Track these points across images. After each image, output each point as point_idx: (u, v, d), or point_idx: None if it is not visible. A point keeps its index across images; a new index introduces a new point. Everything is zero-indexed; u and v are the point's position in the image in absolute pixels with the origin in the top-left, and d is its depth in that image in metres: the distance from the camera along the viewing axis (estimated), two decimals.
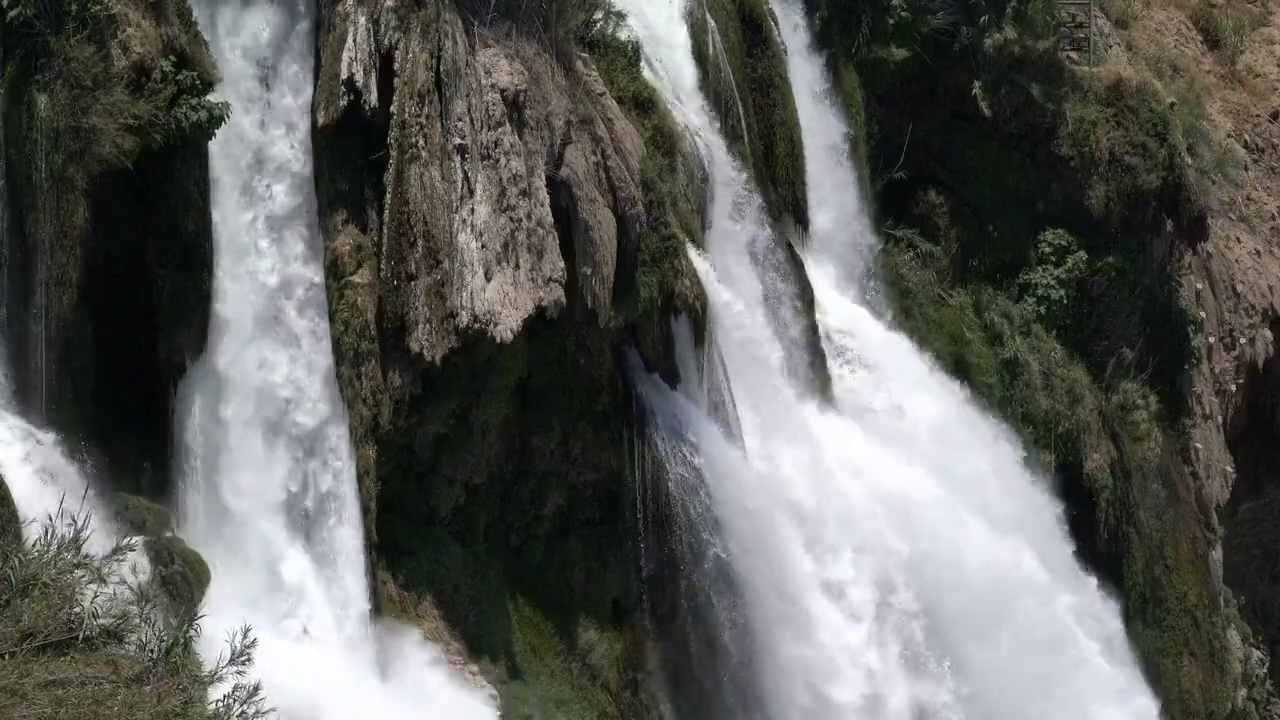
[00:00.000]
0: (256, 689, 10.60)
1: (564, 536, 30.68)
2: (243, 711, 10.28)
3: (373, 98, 27.35)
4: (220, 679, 10.97)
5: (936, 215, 40.72)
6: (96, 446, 24.45)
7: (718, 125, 34.19)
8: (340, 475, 27.28)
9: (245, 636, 10.67)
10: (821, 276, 36.75)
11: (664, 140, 32.17)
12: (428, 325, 27.46)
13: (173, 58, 24.82)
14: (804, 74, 37.74)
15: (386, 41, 27.64)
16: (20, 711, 10.66)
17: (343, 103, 27.20)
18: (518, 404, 29.81)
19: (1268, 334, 47.39)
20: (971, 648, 34.54)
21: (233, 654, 10.69)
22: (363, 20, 27.44)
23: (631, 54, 32.06)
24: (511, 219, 28.13)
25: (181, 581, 24.18)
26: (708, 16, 34.43)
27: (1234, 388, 46.41)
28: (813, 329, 35.24)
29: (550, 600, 30.33)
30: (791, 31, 37.64)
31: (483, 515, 29.69)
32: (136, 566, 22.99)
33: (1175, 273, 43.87)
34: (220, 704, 10.73)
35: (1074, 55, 43.04)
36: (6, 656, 11.20)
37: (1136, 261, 42.21)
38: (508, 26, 28.99)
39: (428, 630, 28.34)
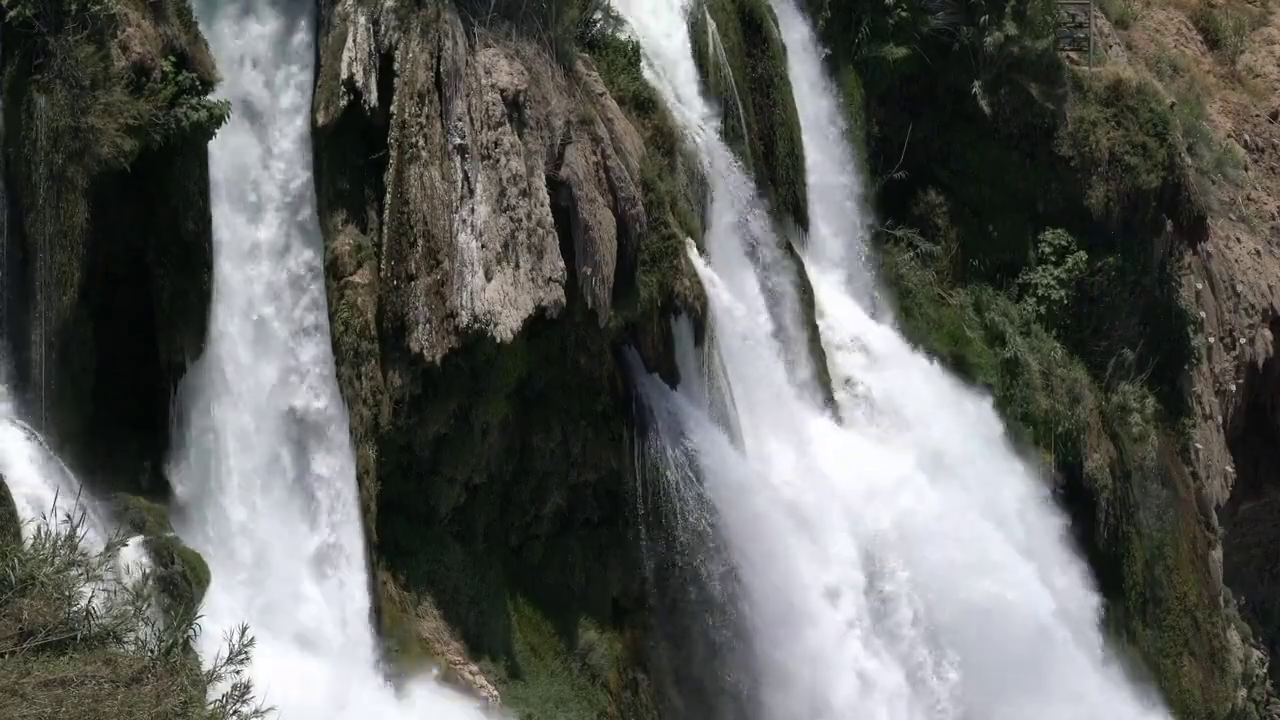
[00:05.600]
0: (247, 688, 10.60)
1: (564, 536, 30.67)
2: (237, 710, 10.28)
3: (373, 98, 27.36)
4: (219, 678, 10.98)
5: (936, 215, 40.71)
6: (96, 446, 24.45)
7: (718, 125, 34.19)
8: (340, 475, 27.28)
9: (243, 635, 10.67)
10: (821, 276, 36.74)
11: (664, 140, 32.17)
12: (428, 325, 27.47)
13: (173, 58, 24.82)
14: (804, 74, 37.73)
15: (386, 42, 27.66)
16: (20, 710, 10.66)
17: (343, 103, 27.21)
18: (518, 404, 29.81)
19: (1268, 334, 47.40)
20: (971, 650, 34.55)
21: (230, 653, 10.70)
22: (362, 20, 27.45)
23: (631, 54, 32.07)
24: (511, 219, 28.14)
25: (181, 581, 24.17)
26: (708, 16, 34.43)
27: (1234, 388, 46.42)
28: (812, 328, 35.24)
29: (550, 600, 30.33)
30: (791, 31, 37.63)
31: (483, 515, 29.68)
32: (136, 566, 23.00)
33: (1175, 273, 43.87)
34: (217, 704, 10.73)
35: (1074, 55, 43.04)
36: (6, 655, 11.20)
37: (1136, 261, 42.21)
38: (508, 26, 29.00)
39: (428, 630, 28.36)
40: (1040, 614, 36.03)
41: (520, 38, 28.99)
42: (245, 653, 10.70)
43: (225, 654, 10.84)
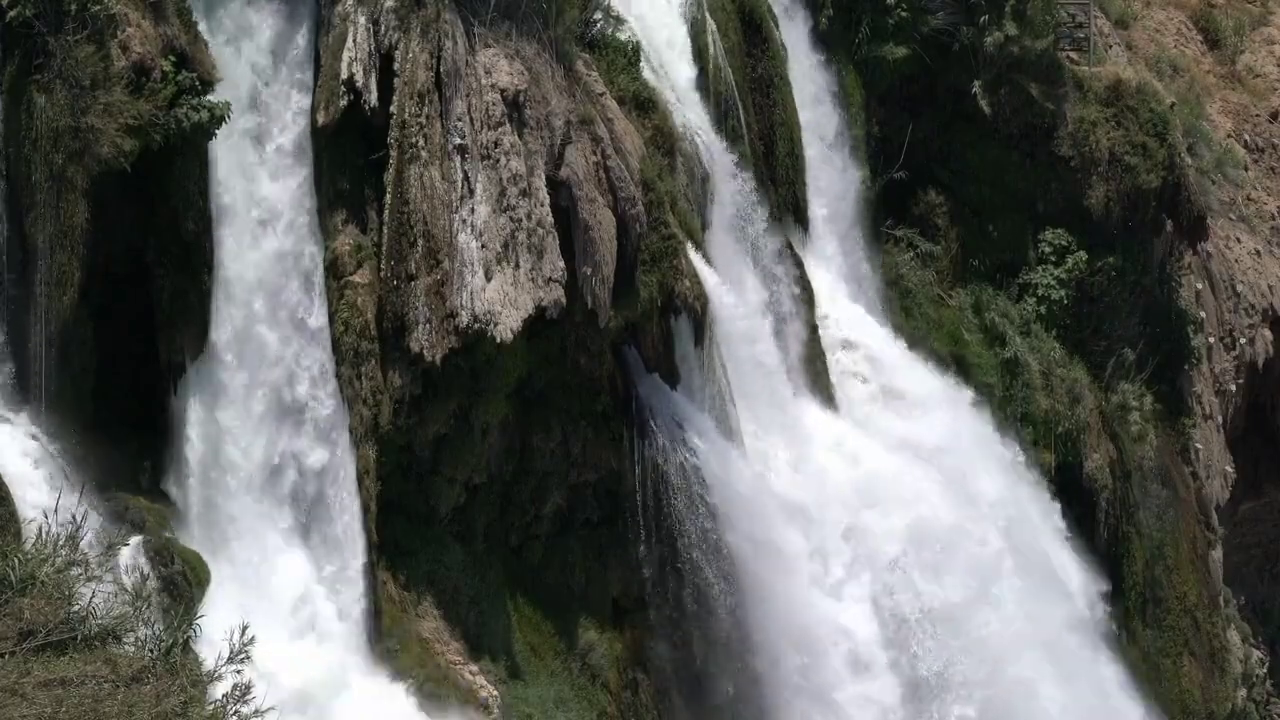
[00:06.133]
0: (248, 688, 10.61)
1: (564, 536, 30.68)
2: (238, 710, 10.28)
3: (373, 98, 27.35)
4: (219, 678, 10.98)
5: (936, 215, 40.71)
6: (96, 446, 24.44)
7: (718, 125, 34.19)
8: (340, 475, 27.28)
9: (243, 634, 10.67)
10: (821, 276, 36.74)
11: (664, 140, 32.18)
12: (428, 325, 27.47)
13: (173, 58, 24.82)
14: (804, 74, 37.73)
15: (386, 42, 27.65)
16: (20, 710, 10.66)
17: (343, 103, 27.20)
18: (518, 404, 29.81)
19: (1268, 334, 47.41)
20: (971, 648, 34.54)
21: (231, 652, 10.70)
22: (363, 20, 27.45)
23: (631, 54, 32.07)
24: (511, 219, 28.14)
25: (181, 581, 24.17)
26: (708, 16, 34.43)
27: (1234, 388, 46.42)
28: (812, 328, 35.25)
29: (550, 600, 30.33)
30: (791, 31, 37.63)
31: (483, 515, 29.68)
32: (135, 566, 23.01)
33: (1175, 273, 43.87)
34: (217, 704, 10.74)
35: (1074, 55, 43.04)
36: (6, 655, 11.20)
37: (1136, 261, 42.21)
38: (508, 26, 29.00)
39: (428, 630, 28.35)
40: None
41: (520, 38, 28.99)
42: (245, 652, 10.71)
43: (225, 653, 10.84)
